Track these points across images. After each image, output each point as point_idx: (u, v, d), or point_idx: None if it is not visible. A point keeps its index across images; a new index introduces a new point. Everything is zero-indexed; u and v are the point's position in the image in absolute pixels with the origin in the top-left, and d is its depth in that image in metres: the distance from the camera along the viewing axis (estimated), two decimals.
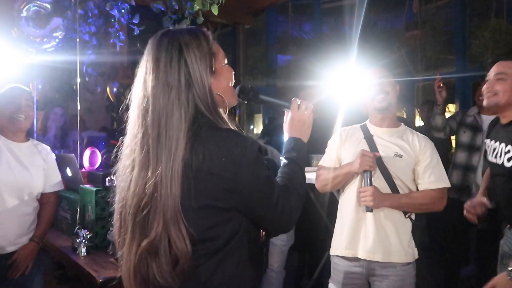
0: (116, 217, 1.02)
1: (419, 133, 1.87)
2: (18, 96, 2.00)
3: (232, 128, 1.02)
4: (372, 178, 1.76)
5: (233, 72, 1.12)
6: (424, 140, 1.83)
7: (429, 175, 1.78)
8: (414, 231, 1.83)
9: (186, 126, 0.95)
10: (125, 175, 1.00)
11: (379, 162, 1.77)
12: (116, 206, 1.03)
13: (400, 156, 1.78)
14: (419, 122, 4.91)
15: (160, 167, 0.93)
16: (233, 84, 1.11)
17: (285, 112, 1.24)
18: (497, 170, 1.82)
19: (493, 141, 1.87)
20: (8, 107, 1.97)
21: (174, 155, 0.93)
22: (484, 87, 1.84)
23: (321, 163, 1.95)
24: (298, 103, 1.22)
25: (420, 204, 1.78)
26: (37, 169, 2.07)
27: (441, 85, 2.84)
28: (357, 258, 1.79)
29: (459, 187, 2.89)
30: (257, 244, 1.08)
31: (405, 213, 1.80)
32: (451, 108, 5.30)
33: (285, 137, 1.23)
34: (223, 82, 1.06)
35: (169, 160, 0.93)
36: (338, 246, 1.86)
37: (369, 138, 1.83)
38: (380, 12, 6.23)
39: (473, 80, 4.24)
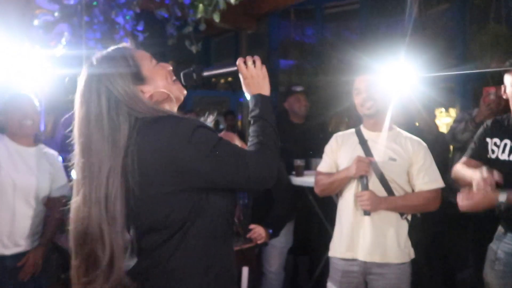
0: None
1: (412, 136, 1.93)
2: (24, 102, 2.09)
3: (176, 114, 1.11)
4: (369, 182, 1.82)
5: (170, 68, 1.20)
6: (416, 142, 1.89)
7: (423, 176, 1.84)
8: (410, 232, 1.88)
9: (123, 137, 1.05)
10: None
11: (375, 167, 1.83)
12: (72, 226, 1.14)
13: (394, 159, 1.84)
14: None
15: (96, 191, 1.05)
16: (173, 78, 1.20)
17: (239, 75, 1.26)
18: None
19: (507, 141, 1.86)
20: (16, 113, 2.05)
21: (110, 172, 1.03)
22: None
23: (319, 168, 2.02)
24: (244, 61, 1.25)
25: (416, 205, 1.84)
26: (43, 173, 2.14)
27: (490, 98, 2.57)
28: (356, 259, 1.85)
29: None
30: (228, 216, 1.12)
31: (401, 214, 1.85)
32: (452, 113, 5.33)
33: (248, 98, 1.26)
34: (160, 82, 1.16)
35: (99, 189, 1.04)
36: (338, 248, 1.92)
37: (363, 143, 1.89)
38: (382, 17, 6.28)
39: (473, 84, 4.27)
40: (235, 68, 1.24)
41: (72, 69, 3.29)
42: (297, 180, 2.84)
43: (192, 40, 2.58)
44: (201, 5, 2.25)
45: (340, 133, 2.06)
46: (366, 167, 1.79)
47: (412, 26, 4.95)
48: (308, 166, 2.96)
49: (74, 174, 1.14)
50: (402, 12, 5.28)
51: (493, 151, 1.90)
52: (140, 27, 2.95)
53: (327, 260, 2.04)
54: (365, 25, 6.47)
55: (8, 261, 2.04)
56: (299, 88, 3.29)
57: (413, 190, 1.89)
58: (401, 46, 5.10)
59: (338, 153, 1.97)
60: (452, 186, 3.01)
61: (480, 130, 2.02)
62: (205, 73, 1.24)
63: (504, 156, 1.87)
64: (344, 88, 6.04)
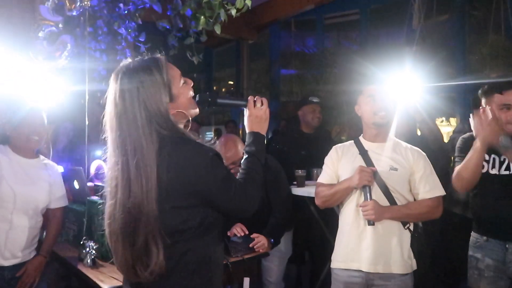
0: (106, 230, 1.24)
1: (411, 146, 1.94)
2: (35, 118, 2.11)
3: (193, 137, 1.21)
4: (371, 192, 1.82)
5: (192, 85, 1.29)
6: (416, 151, 1.90)
7: (424, 185, 1.84)
8: (412, 242, 1.88)
9: (154, 151, 1.15)
10: (111, 196, 1.21)
11: (376, 177, 1.83)
12: (106, 221, 1.23)
13: (396, 169, 1.84)
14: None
15: (140, 190, 1.14)
16: (192, 95, 1.29)
17: (244, 110, 1.37)
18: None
19: (495, 156, 1.93)
20: (26, 129, 2.07)
21: (150, 179, 1.14)
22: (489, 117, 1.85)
23: (319, 180, 2.01)
24: (254, 100, 1.37)
25: (419, 214, 1.84)
26: (43, 184, 2.14)
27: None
28: (359, 270, 1.84)
29: (464, 203, 2.91)
30: (224, 227, 1.28)
31: (404, 224, 1.85)
32: (452, 122, 5.35)
33: (246, 132, 1.36)
34: (183, 101, 1.25)
35: (147, 184, 1.14)
36: (340, 259, 1.91)
37: (364, 154, 1.89)
38: (382, 28, 6.34)
39: (473, 94, 4.29)
40: (244, 103, 1.36)
41: (75, 79, 3.33)
42: (298, 190, 2.84)
43: (194, 51, 2.61)
44: (202, 17, 2.28)
45: (339, 145, 2.06)
46: (369, 177, 1.79)
47: (412, 36, 4.99)
48: (309, 177, 2.96)
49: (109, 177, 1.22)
50: (401, 22, 5.33)
51: (482, 166, 1.93)
52: (142, 38, 2.98)
53: (329, 270, 2.03)
54: (365, 35, 6.53)
55: (6, 272, 2.04)
56: (315, 99, 3.31)
57: (414, 199, 1.89)
58: (400, 56, 5.15)
59: (339, 164, 1.97)
60: (453, 196, 3.02)
61: (463, 143, 2.05)
62: (219, 100, 1.34)
63: (494, 171, 1.91)
64: (344, 98, 6.10)
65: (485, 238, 1.97)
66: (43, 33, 2.44)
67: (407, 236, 1.87)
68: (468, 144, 2.16)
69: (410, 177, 1.87)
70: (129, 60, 1.26)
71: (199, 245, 1.20)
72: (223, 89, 9.10)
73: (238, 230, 2.44)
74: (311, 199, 2.89)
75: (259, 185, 1.28)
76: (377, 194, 1.83)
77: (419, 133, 3.20)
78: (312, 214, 2.95)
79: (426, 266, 3.19)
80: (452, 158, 3.11)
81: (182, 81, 1.26)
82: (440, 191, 1.87)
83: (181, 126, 1.25)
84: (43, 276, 2.16)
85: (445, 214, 3.05)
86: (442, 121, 5.38)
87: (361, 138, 2.00)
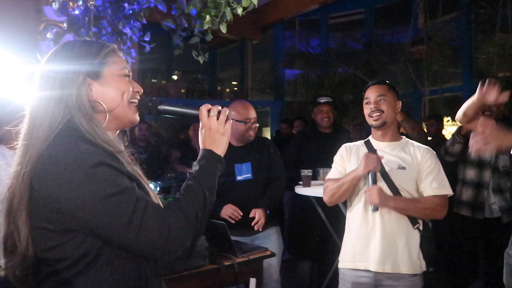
0: None
1: (420, 144, 1.92)
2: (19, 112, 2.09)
3: (90, 136, 0.95)
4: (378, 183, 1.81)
5: (136, 89, 1.08)
6: (425, 150, 1.89)
7: (431, 181, 1.83)
8: (422, 243, 1.86)
9: (52, 130, 0.94)
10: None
11: (385, 176, 1.82)
12: None
13: (404, 168, 1.83)
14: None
15: (17, 172, 0.93)
16: (131, 99, 1.06)
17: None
18: None
19: None
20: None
21: (22, 180, 0.91)
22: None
23: (328, 176, 2.00)
24: (208, 109, 1.10)
25: (423, 209, 1.81)
26: None
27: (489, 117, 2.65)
28: (367, 270, 1.82)
29: (472, 205, 2.89)
30: (134, 268, 0.97)
31: (413, 224, 1.83)
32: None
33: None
34: (113, 92, 1.03)
35: (19, 187, 0.91)
36: (348, 259, 1.90)
37: (372, 152, 1.88)
38: (386, 27, 6.31)
39: None
40: (196, 112, 1.11)
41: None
42: (304, 190, 2.83)
43: (199, 51, 2.59)
44: (208, 16, 2.26)
45: (349, 144, 2.06)
46: (374, 162, 1.78)
47: (417, 35, 4.96)
48: (315, 177, 2.94)
49: None
50: (407, 22, 5.30)
51: None
52: (147, 38, 2.97)
53: (336, 270, 2.02)
54: (369, 35, 6.50)
55: None
56: (322, 100, 3.29)
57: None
58: (406, 56, 5.12)
59: (347, 163, 1.96)
60: (459, 198, 2.99)
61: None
62: (161, 107, 1.11)
63: None
64: (349, 98, 6.07)
65: None
66: (51, 34, 2.43)
67: (416, 236, 1.85)
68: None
69: (418, 175, 1.85)
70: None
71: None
72: (227, 90, 9.10)
73: (232, 214, 2.42)
74: (317, 199, 2.87)
75: (188, 218, 0.95)
76: (386, 192, 1.82)
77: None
78: (318, 214, 2.93)
79: (437, 269, 3.17)
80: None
81: (122, 72, 1.06)
82: (447, 190, 1.85)
83: (98, 115, 1.01)
84: None
85: (454, 216, 3.04)
86: (448, 121, 5.34)
87: (370, 138, 2.00)
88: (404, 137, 1.97)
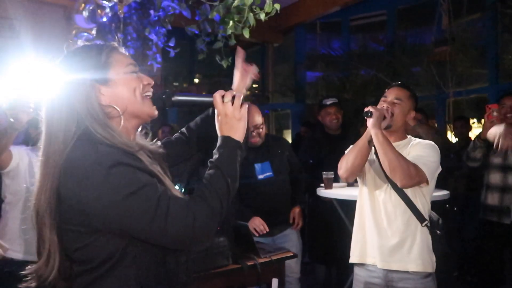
0: None
1: (423, 140, 1.93)
2: None
3: (117, 139, 0.96)
4: (383, 192, 1.83)
5: (145, 83, 1.07)
6: (425, 143, 1.89)
7: (417, 157, 1.81)
8: (434, 243, 1.86)
9: (68, 139, 0.95)
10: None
11: (385, 172, 1.83)
12: None
13: None
14: (451, 137, 4.84)
15: (44, 183, 0.96)
16: (144, 93, 1.07)
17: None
18: None
19: None
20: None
21: (48, 185, 0.94)
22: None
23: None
24: (222, 95, 1.09)
25: (398, 165, 1.72)
26: None
27: (493, 115, 2.65)
28: (375, 266, 1.84)
29: (498, 209, 2.85)
30: (160, 266, 0.99)
31: (421, 221, 1.83)
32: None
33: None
34: (122, 91, 1.03)
35: (45, 191, 0.94)
36: (357, 253, 1.93)
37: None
38: (409, 28, 6.23)
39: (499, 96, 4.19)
40: (210, 100, 1.10)
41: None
42: (326, 193, 2.84)
43: (222, 55, 2.65)
44: (231, 22, 2.31)
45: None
46: (380, 109, 1.81)
47: (441, 36, 4.89)
48: (336, 179, 2.95)
49: None
50: (430, 22, 5.23)
51: None
52: (171, 43, 3.05)
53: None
54: (392, 36, 6.43)
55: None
56: (329, 102, 3.28)
57: (424, 194, 1.88)
58: (429, 57, 5.05)
59: None
60: (485, 203, 2.94)
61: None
62: (174, 98, 1.10)
63: None
64: (371, 100, 6.02)
65: None
66: (82, 41, 2.54)
67: (425, 234, 1.85)
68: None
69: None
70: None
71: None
72: (248, 92, 9.15)
73: (258, 227, 2.49)
74: (339, 201, 2.88)
75: (213, 207, 0.95)
76: (391, 192, 1.84)
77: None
78: (339, 216, 2.94)
79: (452, 268, 3.13)
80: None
81: (129, 69, 1.05)
82: (428, 172, 1.77)
83: (113, 120, 1.02)
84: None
85: (480, 221, 2.99)
86: (473, 123, 5.24)
87: None
88: (409, 136, 1.97)
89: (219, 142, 1.06)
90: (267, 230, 2.52)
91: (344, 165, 1.90)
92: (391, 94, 1.92)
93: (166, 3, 2.86)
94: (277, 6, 2.11)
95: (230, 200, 1.00)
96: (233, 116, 1.07)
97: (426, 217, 1.85)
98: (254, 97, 8.43)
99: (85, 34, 2.70)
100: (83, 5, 2.75)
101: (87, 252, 0.94)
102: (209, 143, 1.15)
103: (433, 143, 1.90)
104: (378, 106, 1.91)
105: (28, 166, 2.13)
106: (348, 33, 7.08)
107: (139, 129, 1.13)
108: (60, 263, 0.97)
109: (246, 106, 1.09)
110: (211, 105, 1.11)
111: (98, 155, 0.91)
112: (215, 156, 1.04)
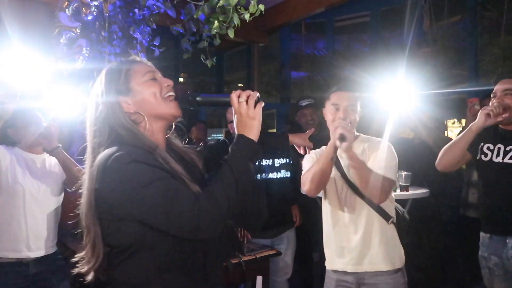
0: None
1: (374, 138, 1.95)
2: (51, 132, 2.20)
3: (141, 142, 1.11)
4: (347, 200, 1.86)
5: (166, 84, 1.20)
6: (376, 142, 1.91)
7: (378, 161, 1.83)
8: (401, 235, 1.90)
9: (94, 151, 1.14)
10: None
11: (345, 178, 1.86)
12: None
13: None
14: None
15: (83, 182, 1.14)
16: (165, 94, 1.19)
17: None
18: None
19: (500, 145, 2.02)
20: (40, 140, 2.16)
21: (88, 184, 1.11)
22: (494, 102, 1.96)
23: (304, 172, 1.94)
24: (238, 95, 1.16)
25: (367, 180, 1.73)
26: (54, 179, 2.23)
27: (475, 109, 2.76)
28: (346, 271, 1.87)
29: (478, 206, 2.92)
30: (177, 252, 1.08)
31: (387, 219, 1.87)
32: (464, 123, 5.31)
33: None
34: (145, 97, 1.17)
35: (86, 190, 1.12)
36: (328, 259, 1.94)
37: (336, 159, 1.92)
38: (393, 30, 6.33)
39: (485, 94, 4.29)
40: (228, 99, 1.18)
41: (90, 82, 3.41)
42: None
43: (207, 55, 2.66)
44: (216, 22, 2.33)
45: (312, 151, 2.02)
46: (343, 125, 1.73)
47: (423, 38, 4.99)
48: None
49: None
50: (412, 24, 5.32)
51: (486, 155, 1.99)
52: (156, 42, 3.04)
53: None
54: (375, 37, 6.53)
55: (31, 266, 2.12)
56: (304, 103, 3.29)
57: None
58: (411, 58, 5.14)
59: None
60: (466, 200, 3.03)
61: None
62: (199, 99, 1.22)
63: (498, 159, 1.99)
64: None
65: (488, 235, 2.00)
66: (64, 39, 2.52)
67: (392, 231, 1.88)
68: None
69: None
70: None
71: (131, 267, 1.08)
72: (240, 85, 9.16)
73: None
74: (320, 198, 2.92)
75: (219, 202, 1.01)
76: (349, 193, 1.86)
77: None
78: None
79: (436, 266, 3.20)
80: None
81: (147, 77, 1.18)
82: (391, 175, 1.81)
83: (139, 126, 1.16)
84: (65, 273, 2.23)
85: (459, 217, 3.07)
86: (453, 123, 5.35)
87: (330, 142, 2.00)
88: (360, 134, 1.99)
89: (234, 140, 1.13)
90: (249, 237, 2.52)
91: (309, 184, 1.84)
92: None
93: (151, 2, 2.85)
94: (262, 7, 2.13)
95: (240, 197, 1.05)
96: (247, 115, 1.13)
97: (392, 213, 1.88)
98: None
99: (70, 33, 2.67)
100: (66, 2, 2.72)
101: (114, 237, 1.08)
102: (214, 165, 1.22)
103: (383, 140, 1.91)
104: (328, 122, 1.90)
105: (10, 164, 2.11)
106: (333, 34, 7.15)
107: (171, 129, 1.26)
108: (104, 252, 1.10)
109: (261, 105, 1.15)
110: (229, 103, 1.17)
111: (119, 153, 1.04)
112: (229, 153, 1.10)
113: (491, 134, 2.07)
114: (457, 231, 3.23)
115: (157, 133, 1.19)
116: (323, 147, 2.01)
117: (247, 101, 1.14)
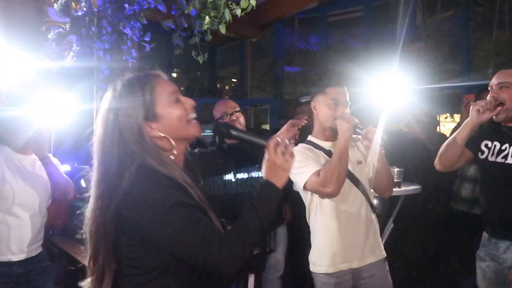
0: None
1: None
2: (40, 136, 2.15)
3: (164, 170, 1.08)
4: (351, 196, 1.87)
5: (187, 107, 1.17)
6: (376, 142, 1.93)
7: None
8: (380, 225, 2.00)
9: (122, 170, 1.07)
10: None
11: (349, 172, 1.86)
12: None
13: (361, 162, 1.92)
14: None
15: (101, 204, 1.08)
16: (189, 116, 1.17)
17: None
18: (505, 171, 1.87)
19: (497, 143, 1.93)
20: (29, 144, 2.11)
21: (110, 197, 1.06)
22: (489, 96, 1.91)
23: (308, 175, 1.81)
24: (276, 144, 1.16)
25: (389, 175, 1.92)
26: (43, 183, 2.18)
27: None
28: (351, 268, 1.86)
29: (469, 200, 2.93)
30: (197, 279, 1.12)
31: (374, 211, 1.91)
32: (456, 118, 5.34)
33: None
34: (171, 121, 1.14)
35: (106, 200, 1.07)
36: (327, 263, 1.84)
37: (328, 153, 1.90)
38: (386, 25, 6.32)
39: (478, 89, 4.30)
40: (264, 143, 1.18)
41: (82, 79, 3.36)
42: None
43: (198, 51, 2.63)
44: (207, 17, 2.30)
45: (299, 148, 1.92)
46: (351, 118, 1.79)
47: (416, 33, 4.99)
48: None
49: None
50: (405, 19, 5.32)
51: (482, 152, 1.95)
52: (147, 38, 3.00)
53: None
54: (368, 32, 6.52)
55: (15, 267, 2.08)
56: (304, 100, 3.27)
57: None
58: (403, 53, 5.15)
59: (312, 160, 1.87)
60: (458, 194, 3.04)
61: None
62: (233, 132, 1.24)
63: (492, 158, 1.92)
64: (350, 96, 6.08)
65: (487, 236, 1.98)
66: (52, 35, 2.47)
67: (375, 220, 1.95)
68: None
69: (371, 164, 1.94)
70: (127, 74, 1.20)
71: None
72: (227, 87, 9.12)
73: None
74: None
75: (246, 244, 1.09)
76: (353, 189, 1.86)
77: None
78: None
79: (428, 259, 3.21)
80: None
81: (173, 99, 1.16)
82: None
83: (166, 152, 1.14)
84: (49, 273, 2.20)
85: (451, 211, 3.09)
86: (446, 117, 5.37)
87: (313, 138, 1.98)
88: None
89: (262, 184, 1.17)
90: None
91: (335, 182, 1.73)
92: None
93: None
94: (253, 2, 2.11)
95: (260, 237, 1.14)
96: (281, 166, 1.15)
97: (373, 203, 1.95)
98: (232, 92, 8.41)
99: (59, 29, 2.62)
100: None
101: (136, 261, 1.09)
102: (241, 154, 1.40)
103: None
104: (322, 116, 1.91)
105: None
106: (326, 29, 7.13)
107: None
108: (113, 272, 1.10)
109: (293, 158, 1.17)
110: (263, 147, 1.18)
111: (161, 191, 1.05)
112: (256, 196, 1.15)
113: (492, 131, 1.98)
114: (449, 226, 3.25)
115: (179, 154, 1.18)
116: (303, 145, 1.96)
117: (283, 152, 1.16)
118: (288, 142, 1.18)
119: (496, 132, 1.95)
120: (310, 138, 1.96)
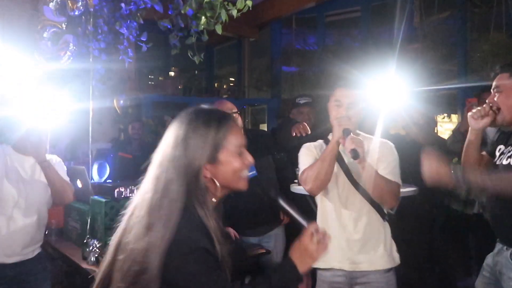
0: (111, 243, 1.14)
1: (376, 138, 1.94)
2: (33, 137, 2.12)
3: (202, 214, 1.07)
4: (348, 197, 1.84)
5: (249, 162, 1.17)
6: (380, 143, 1.90)
7: (384, 167, 1.84)
8: (393, 231, 1.90)
9: (180, 205, 1.05)
10: (131, 219, 1.11)
11: (348, 175, 1.84)
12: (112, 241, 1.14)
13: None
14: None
15: (154, 236, 1.04)
16: (244, 173, 1.17)
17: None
18: None
19: (502, 146, 1.91)
20: (24, 144, 2.09)
21: (166, 230, 1.03)
22: (487, 100, 1.90)
23: (302, 168, 1.90)
24: (317, 230, 1.18)
25: (379, 185, 1.75)
26: (42, 184, 2.16)
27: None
28: (342, 269, 1.85)
29: (463, 200, 2.94)
30: None
31: (382, 217, 1.86)
32: (454, 119, 5.35)
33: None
34: (227, 170, 1.13)
35: (162, 233, 1.03)
36: (322, 258, 1.87)
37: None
38: (383, 25, 6.33)
39: (475, 91, 4.30)
40: (304, 224, 1.22)
41: (78, 78, 3.35)
42: (299, 189, 2.86)
43: (195, 51, 2.62)
44: (203, 18, 2.29)
45: (307, 144, 2.00)
46: (346, 120, 1.76)
47: (413, 34, 4.99)
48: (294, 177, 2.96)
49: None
50: (403, 20, 5.33)
51: (495, 157, 1.94)
52: (143, 38, 2.99)
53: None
54: (366, 33, 6.52)
55: (8, 269, 2.06)
56: (302, 101, 3.22)
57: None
58: (401, 54, 5.15)
59: (317, 155, 1.92)
60: (452, 193, 3.04)
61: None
62: (279, 202, 1.29)
63: (500, 161, 1.90)
64: None
65: (498, 238, 1.96)
66: (48, 34, 2.46)
67: (387, 228, 1.88)
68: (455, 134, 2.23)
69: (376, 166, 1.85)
70: (202, 106, 1.19)
71: None
72: (224, 87, 9.11)
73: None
74: (313, 197, 2.91)
75: None
76: (352, 196, 1.85)
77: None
78: (314, 212, 2.97)
79: (422, 260, 3.22)
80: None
81: (238, 150, 1.15)
82: (397, 179, 1.85)
83: (211, 197, 1.14)
84: (45, 273, 2.19)
85: (446, 210, 3.09)
86: (443, 118, 5.38)
87: (330, 137, 1.99)
88: (361, 132, 1.98)
89: (285, 263, 1.17)
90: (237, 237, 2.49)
91: (312, 182, 1.81)
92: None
93: None
94: (249, 2, 2.10)
95: None
96: (311, 254, 1.16)
97: (385, 211, 1.88)
98: (230, 92, 8.40)
99: (56, 28, 2.61)
100: None
101: None
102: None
103: (386, 141, 1.91)
104: (331, 117, 1.87)
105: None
106: (324, 29, 7.13)
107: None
108: None
109: (324, 251, 1.17)
110: (303, 227, 1.20)
111: (197, 253, 1.04)
112: (274, 274, 1.14)
113: (504, 135, 1.96)
114: (445, 227, 3.25)
115: (218, 200, 1.19)
116: (320, 141, 2.00)
117: (318, 241, 1.16)
118: (326, 234, 1.18)
119: (507, 136, 1.94)
120: (330, 136, 1.96)
